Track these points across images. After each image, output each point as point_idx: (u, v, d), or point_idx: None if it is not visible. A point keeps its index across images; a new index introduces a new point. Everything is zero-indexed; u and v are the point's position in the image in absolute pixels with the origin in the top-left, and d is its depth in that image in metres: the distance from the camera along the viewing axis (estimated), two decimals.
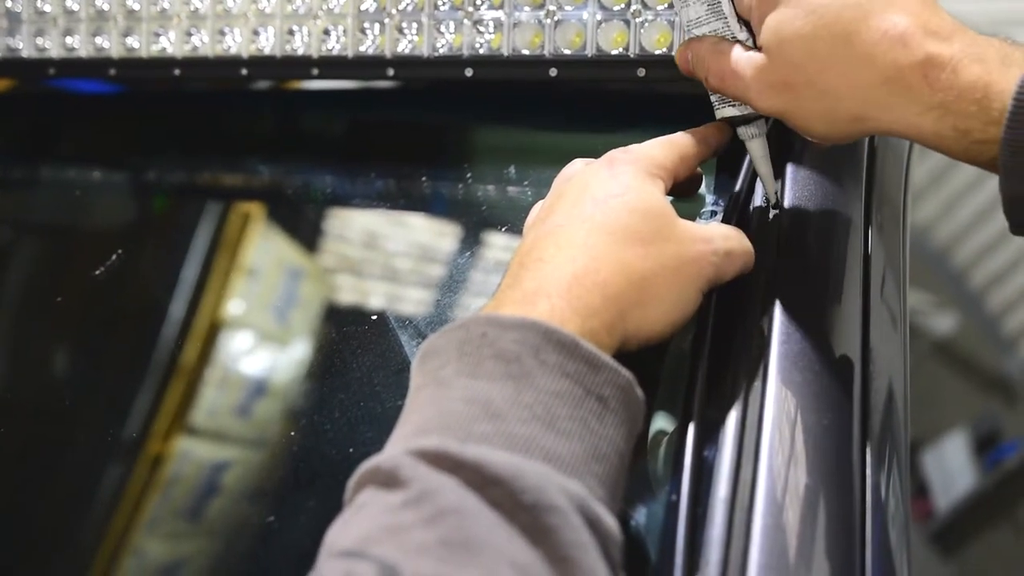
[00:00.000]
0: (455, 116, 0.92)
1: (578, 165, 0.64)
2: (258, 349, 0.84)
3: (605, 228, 0.56)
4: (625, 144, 0.63)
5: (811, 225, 0.69)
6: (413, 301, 0.82)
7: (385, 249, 0.87)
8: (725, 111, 0.66)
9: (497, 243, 0.81)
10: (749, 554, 0.50)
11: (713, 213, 0.70)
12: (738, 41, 0.63)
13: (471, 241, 0.81)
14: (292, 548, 0.62)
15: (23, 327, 0.94)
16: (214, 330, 0.84)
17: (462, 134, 0.94)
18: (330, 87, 0.90)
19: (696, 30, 0.65)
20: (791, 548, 0.51)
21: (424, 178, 0.87)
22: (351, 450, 0.68)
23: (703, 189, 0.71)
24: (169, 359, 0.81)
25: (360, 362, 0.73)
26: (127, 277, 0.90)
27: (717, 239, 0.59)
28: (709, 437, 0.56)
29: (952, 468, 1.89)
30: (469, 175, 0.86)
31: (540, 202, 0.64)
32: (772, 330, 0.60)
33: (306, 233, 0.91)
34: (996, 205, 0.55)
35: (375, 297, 0.84)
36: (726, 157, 0.70)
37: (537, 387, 0.49)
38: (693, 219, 0.71)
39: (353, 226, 0.90)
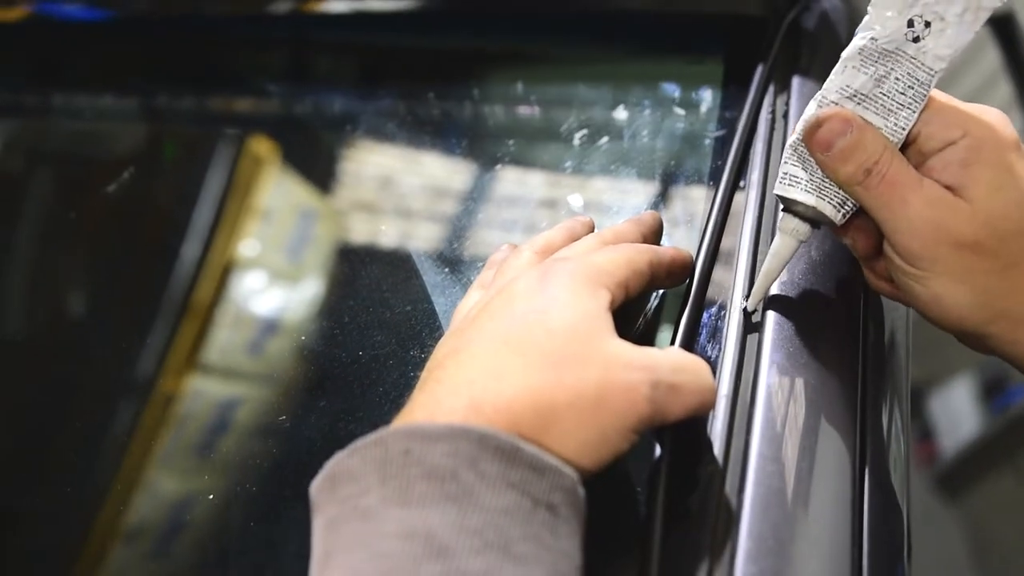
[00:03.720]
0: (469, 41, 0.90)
1: (516, 258, 0.58)
2: (271, 287, 0.85)
3: (517, 349, 0.48)
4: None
5: None
6: (424, 236, 0.82)
7: (399, 185, 0.86)
8: (795, 193, 0.54)
9: (510, 176, 0.80)
10: (744, 491, 0.50)
11: (718, 139, 0.69)
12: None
13: (485, 171, 0.81)
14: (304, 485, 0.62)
15: (31, 264, 0.94)
16: (227, 268, 0.84)
17: (474, 58, 0.93)
18: (345, 9, 0.89)
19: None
20: (788, 485, 0.51)
21: (432, 95, 0.86)
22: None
23: (705, 108, 0.68)
24: (182, 296, 0.82)
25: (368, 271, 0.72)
26: (136, 213, 0.89)
27: (663, 369, 0.48)
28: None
29: (958, 412, 1.90)
30: (476, 93, 0.85)
31: (471, 291, 0.60)
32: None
33: (319, 168, 0.91)
34: None
35: (389, 230, 0.84)
36: (734, 68, 0.67)
37: (482, 506, 0.42)
38: (701, 138, 0.68)
39: (367, 160, 0.89)
